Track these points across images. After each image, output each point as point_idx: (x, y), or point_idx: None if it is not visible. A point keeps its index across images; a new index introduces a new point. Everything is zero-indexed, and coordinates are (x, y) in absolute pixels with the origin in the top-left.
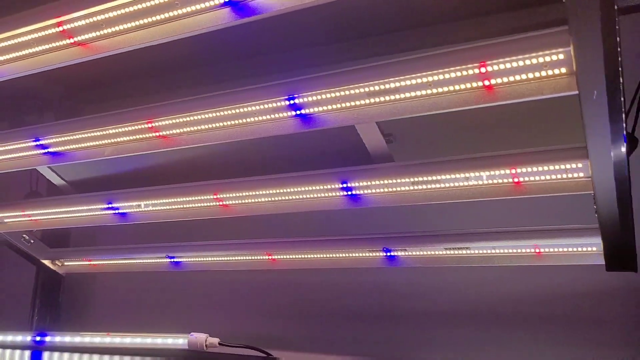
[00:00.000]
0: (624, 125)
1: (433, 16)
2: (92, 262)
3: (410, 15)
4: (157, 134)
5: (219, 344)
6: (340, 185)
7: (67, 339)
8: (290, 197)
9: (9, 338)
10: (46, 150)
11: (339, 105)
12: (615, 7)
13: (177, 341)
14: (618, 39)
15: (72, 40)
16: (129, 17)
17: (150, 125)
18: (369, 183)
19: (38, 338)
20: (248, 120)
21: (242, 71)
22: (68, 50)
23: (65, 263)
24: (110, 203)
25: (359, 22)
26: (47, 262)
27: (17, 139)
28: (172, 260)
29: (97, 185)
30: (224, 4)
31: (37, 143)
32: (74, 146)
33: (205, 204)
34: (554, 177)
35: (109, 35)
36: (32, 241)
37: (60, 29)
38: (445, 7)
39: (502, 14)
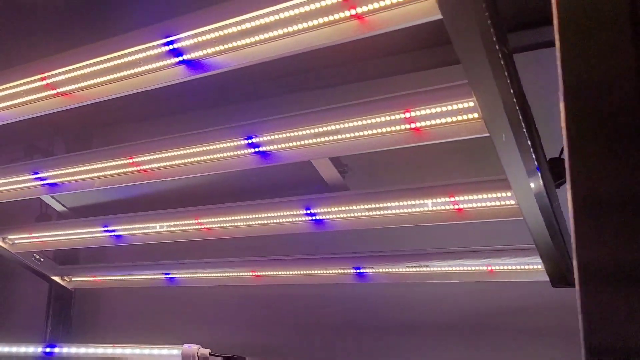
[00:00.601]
0: (535, 158)
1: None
2: (97, 278)
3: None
4: (138, 168)
5: (210, 354)
6: (305, 212)
7: (75, 350)
8: (263, 222)
9: (22, 349)
10: (45, 182)
11: (292, 144)
12: (501, 54)
13: (172, 352)
14: (512, 81)
15: (55, 92)
16: (101, 73)
17: (131, 160)
18: (328, 209)
19: (48, 349)
20: (215, 156)
21: (207, 116)
22: (53, 100)
23: (74, 279)
24: (106, 226)
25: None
26: (56, 279)
27: (20, 173)
28: (167, 276)
29: (95, 211)
30: (179, 63)
31: (37, 176)
32: (68, 178)
33: (189, 227)
34: (489, 204)
35: (86, 87)
36: (42, 260)
37: (45, 82)
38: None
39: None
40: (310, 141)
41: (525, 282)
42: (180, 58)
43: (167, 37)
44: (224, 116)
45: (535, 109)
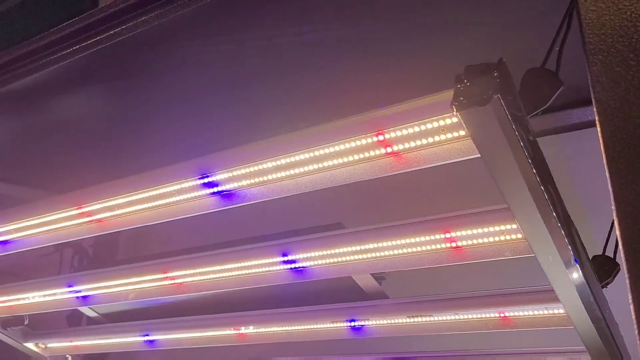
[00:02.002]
0: (581, 270)
1: None
2: None
3: None
4: (173, 281)
5: None
6: (346, 319)
7: None
8: (301, 328)
9: None
10: (79, 295)
11: (328, 261)
12: (543, 187)
13: None
14: (555, 205)
15: (89, 219)
16: (136, 202)
17: (165, 275)
18: (369, 316)
19: None
20: (250, 272)
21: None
22: (87, 226)
23: None
24: (143, 334)
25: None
26: None
27: (54, 287)
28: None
29: (126, 316)
30: (213, 194)
31: (71, 289)
32: (102, 291)
33: (226, 333)
34: (536, 312)
35: (121, 216)
36: None
37: (80, 211)
38: None
39: None
40: (348, 258)
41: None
42: (215, 189)
43: (202, 173)
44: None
45: None
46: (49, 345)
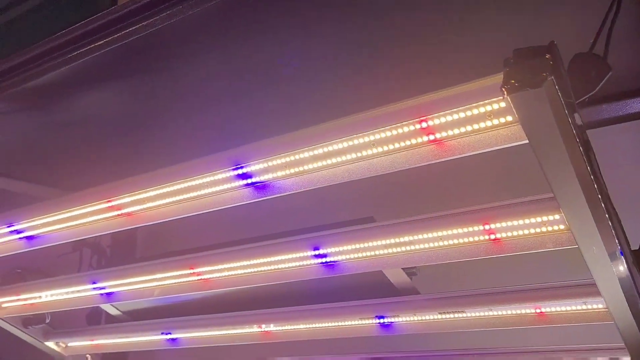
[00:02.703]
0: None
1: None
2: None
3: None
4: (199, 277)
5: None
6: (374, 316)
7: None
8: (329, 325)
9: None
10: (103, 292)
11: (360, 255)
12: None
13: None
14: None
15: (119, 212)
16: (167, 195)
17: (192, 271)
18: (398, 313)
19: None
20: (279, 267)
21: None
22: (116, 220)
23: None
24: (164, 332)
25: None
26: None
27: (78, 283)
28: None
29: (149, 314)
30: (246, 185)
31: (95, 285)
32: (127, 287)
33: (249, 331)
34: (574, 308)
35: (151, 209)
36: None
37: (109, 204)
38: None
39: None
40: (381, 252)
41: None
42: (248, 181)
43: (236, 164)
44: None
45: None
46: (70, 344)
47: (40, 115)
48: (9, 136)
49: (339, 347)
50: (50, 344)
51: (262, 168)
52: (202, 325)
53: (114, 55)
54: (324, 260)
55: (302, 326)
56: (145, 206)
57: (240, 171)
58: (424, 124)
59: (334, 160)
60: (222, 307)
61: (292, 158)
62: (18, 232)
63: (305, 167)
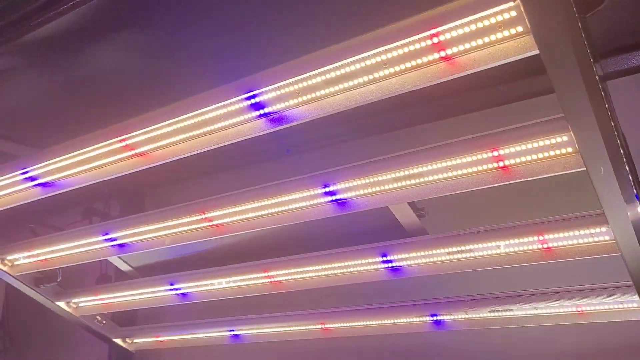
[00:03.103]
0: (635, 188)
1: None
2: (159, 339)
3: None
4: (210, 223)
5: None
6: (381, 259)
7: None
8: (336, 272)
9: None
10: (115, 243)
11: (370, 190)
12: (600, 84)
13: None
14: (611, 111)
15: (133, 152)
16: (180, 131)
17: (204, 216)
18: (406, 255)
19: None
20: (290, 207)
21: (281, 169)
22: (130, 161)
23: (135, 340)
24: (172, 284)
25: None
26: (118, 341)
27: (90, 235)
28: (232, 333)
29: (159, 269)
30: (260, 116)
31: (107, 237)
32: (138, 238)
33: (258, 282)
34: (580, 241)
35: (165, 147)
36: (104, 322)
37: (123, 144)
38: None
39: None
40: (390, 186)
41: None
42: (262, 111)
43: (248, 91)
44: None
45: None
46: (80, 304)
47: (45, 72)
48: (13, 95)
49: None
50: (61, 304)
51: (274, 96)
52: (211, 276)
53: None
54: (334, 197)
55: (310, 274)
56: (159, 144)
57: (253, 100)
58: (435, 39)
59: (345, 84)
60: (231, 260)
61: (304, 84)
62: (32, 178)
63: (318, 94)
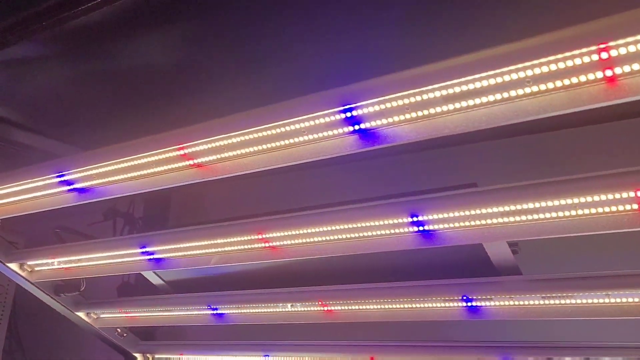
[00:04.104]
0: None
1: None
2: (182, 357)
3: None
4: (267, 244)
5: None
6: (460, 298)
7: None
8: (405, 306)
9: None
10: (151, 257)
11: (466, 224)
12: None
13: None
14: None
15: (191, 162)
16: (252, 143)
17: (260, 236)
18: (493, 296)
19: None
20: (367, 234)
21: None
22: (187, 172)
23: (157, 356)
24: (210, 306)
25: None
26: (138, 356)
27: (125, 247)
28: (267, 358)
29: (194, 286)
30: (353, 132)
31: (143, 250)
32: (179, 254)
33: (308, 309)
34: None
35: (229, 159)
36: (124, 335)
37: (181, 152)
38: None
39: None
40: (489, 221)
41: None
42: (357, 127)
43: (345, 105)
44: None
45: None
46: (102, 315)
47: (76, 64)
48: (44, 85)
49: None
50: (81, 314)
51: (375, 111)
52: (256, 300)
53: None
54: (421, 228)
55: (372, 306)
56: (223, 155)
57: (349, 114)
58: (604, 54)
59: (470, 102)
60: (275, 283)
61: (415, 99)
62: (68, 182)
63: (433, 110)
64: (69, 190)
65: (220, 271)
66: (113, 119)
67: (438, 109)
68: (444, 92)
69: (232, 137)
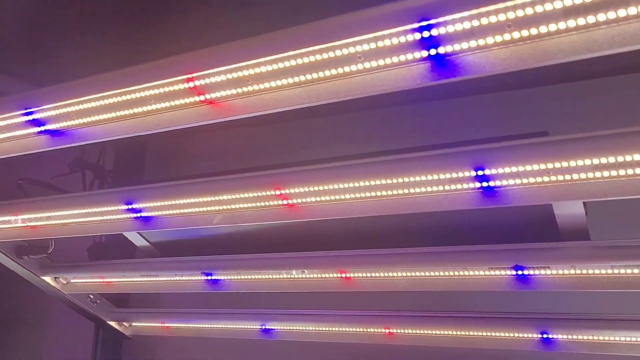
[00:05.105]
0: None
1: None
2: (165, 325)
3: None
4: (285, 202)
5: None
6: (510, 265)
7: None
8: (440, 274)
9: None
10: (138, 215)
11: (538, 180)
12: None
13: None
14: None
15: (202, 98)
16: (286, 73)
17: (278, 192)
18: (551, 265)
19: None
20: (414, 191)
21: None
22: (197, 109)
23: (134, 324)
24: (204, 272)
25: None
26: (113, 324)
27: (107, 203)
28: (263, 327)
29: (183, 248)
30: (426, 59)
31: (130, 207)
32: (175, 212)
33: (328, 275)
34: None
35: (252, 94)
36: (98, 301)
37: (190, 84)
38: None
39: None
40: (567, 177)
41: None
42: (432, 52)
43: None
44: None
45: None
46: (73, 280)
47: None
48: None
49: None
50: (48, 279)
51: (462, 30)
52: (260, 266)
53: None
54: (485, 184)
55: (398, 273)
56: (245, 90)
57: (425, 33)
58: None
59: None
60: (280, 247)
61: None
62: (39, 122)
63: (543, 29)
64: (40, 133)
65: (216, 232)
66: (96, 44)
67: (553, 27)
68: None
69: (256, 65)
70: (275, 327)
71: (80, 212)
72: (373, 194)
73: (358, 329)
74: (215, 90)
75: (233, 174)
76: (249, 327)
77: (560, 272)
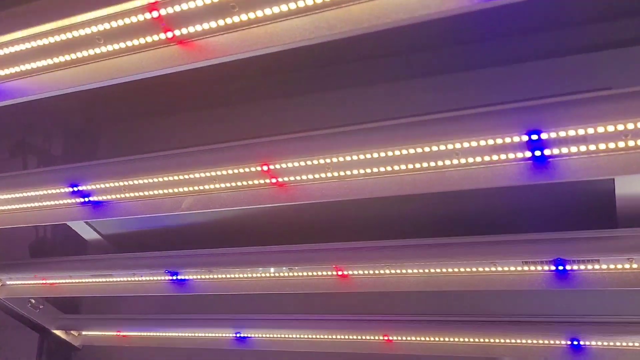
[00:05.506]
0: None
1: None
2: (121, 334)
3: None
4: (273, 179)
5: None
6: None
7: None
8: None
9: None
10: (85, 200)
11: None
12: None
13: None
14: None
15: (170, 35)
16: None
17: (264, 167)
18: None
19: None
20: (446, 163)
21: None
22: (166, 49)
23: (84, 333)
24: (169, 271)
25: None
26: (59, 333)
27: (46, 185)
28: (237, 335)
29: (144, 242)
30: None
31: (75, 189)
32: (132, 194)
33: (322, 273)
34: None
35: (237, 27)
36: (41, 307)
37: (154, 14)
38: None
39: None
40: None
41: None
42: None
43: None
44: None
45: None
46: (9, 282)
47: None
48: None
49: None
50: None
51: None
52: (237, 262)
53: None
54: (537, 153)
55: (408, 270)
56: (225, 22)
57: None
58: None
59: None
60: (265, 238)
61: None
62: None
63: None
64: None
65: (184, 221)
66: None
67: None
68: None
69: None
70: (252, 335)
71: (11, 197)
72: (389, 168)
73: (351, 336)
74: (186, 24)
75: (207, 145)
76: (221, 335)
77: (612, 266)
